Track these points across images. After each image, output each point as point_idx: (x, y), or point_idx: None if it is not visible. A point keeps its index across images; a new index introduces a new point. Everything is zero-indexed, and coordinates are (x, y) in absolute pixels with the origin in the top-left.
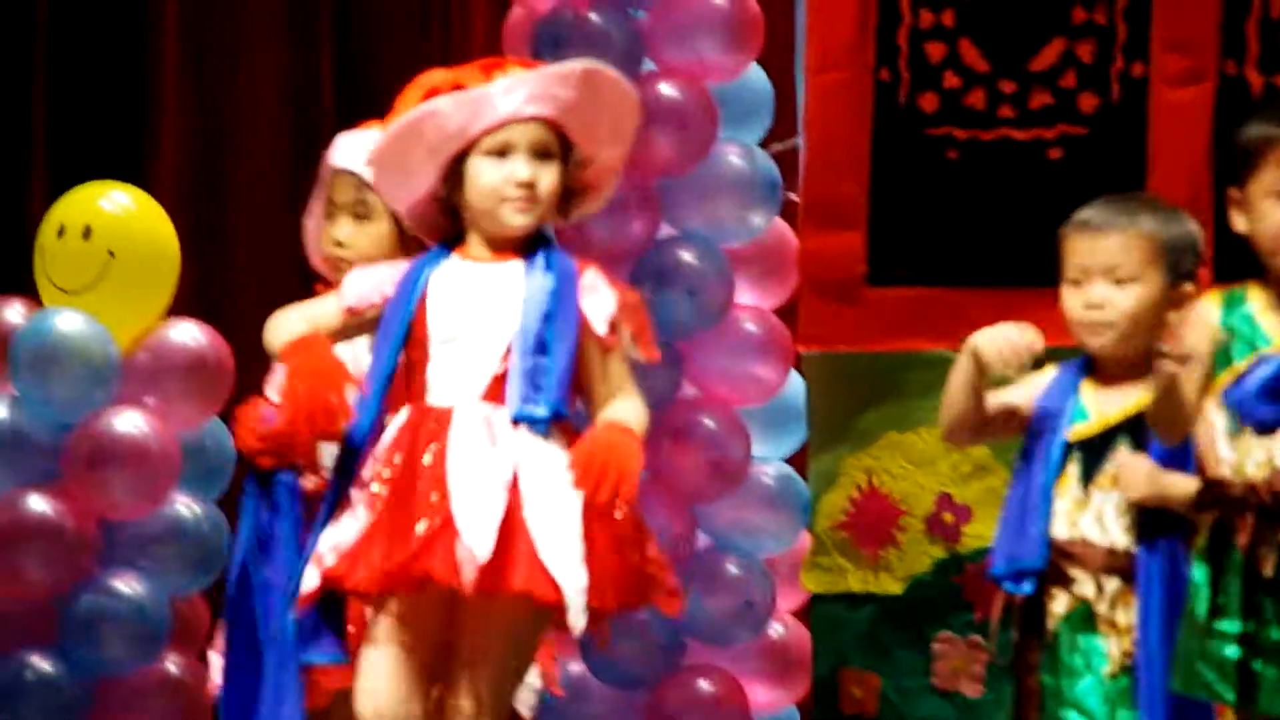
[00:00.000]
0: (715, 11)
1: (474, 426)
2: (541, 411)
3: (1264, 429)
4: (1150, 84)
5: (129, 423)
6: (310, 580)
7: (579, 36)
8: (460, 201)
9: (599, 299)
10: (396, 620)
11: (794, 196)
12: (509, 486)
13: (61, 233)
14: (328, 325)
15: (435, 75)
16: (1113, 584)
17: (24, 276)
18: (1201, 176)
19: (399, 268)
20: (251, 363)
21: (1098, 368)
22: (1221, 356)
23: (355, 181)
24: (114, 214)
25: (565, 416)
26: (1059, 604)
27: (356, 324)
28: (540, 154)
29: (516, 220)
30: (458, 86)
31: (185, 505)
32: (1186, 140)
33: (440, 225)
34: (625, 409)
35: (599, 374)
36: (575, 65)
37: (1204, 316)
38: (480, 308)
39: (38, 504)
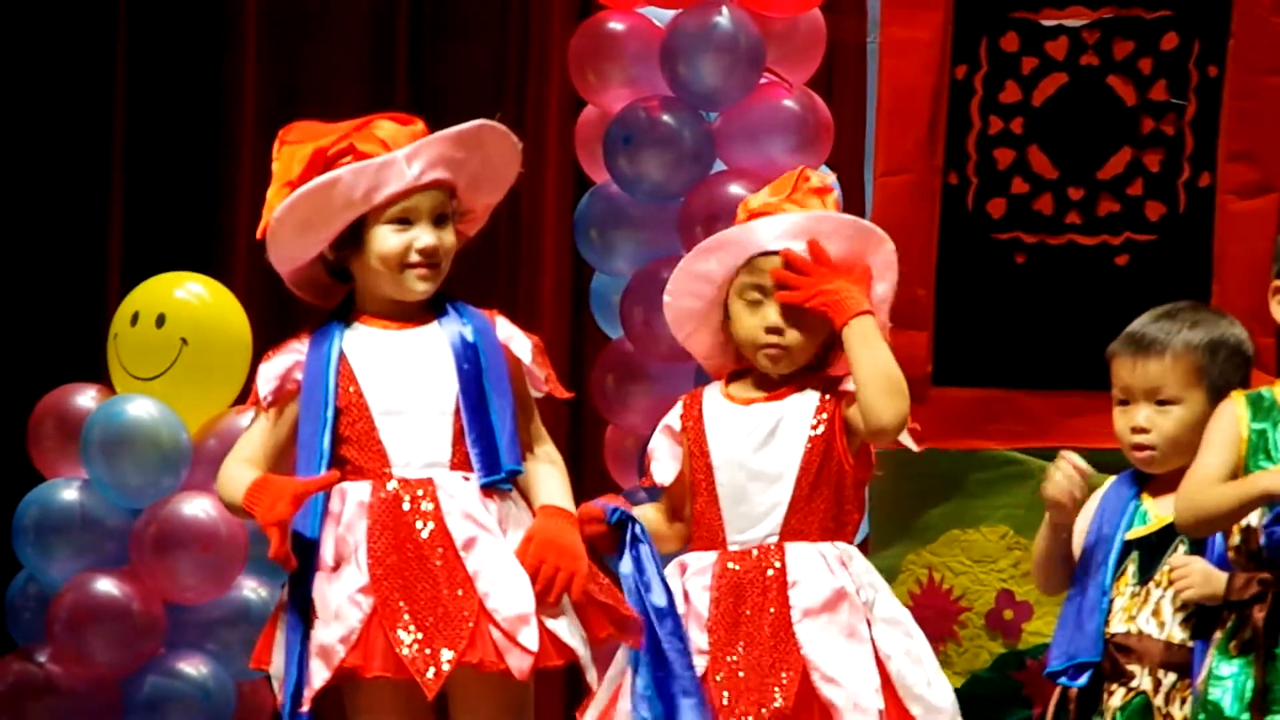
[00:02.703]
0: (786, 114)
1: (461, 499)
2: (505, 476)
3: None
4: (1216, 194)
5: (197, 508)
6: (320, 675)
7: (650, 137)
8: (355, 265)
9: (519, 345)
10: (395, 705)
11: None
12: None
13: (135, 320)
14: (262, 446)
15: (319, 134)
16: (1170, 678)
17: (98, 363)
18: (1266, 285)
19: (300, 350)
20: None
21: (1153, 478)
22: (1257, 455)
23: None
24: (188, 302)
25: (520, 473)
26: (1115, 698)
27: (281, 413)
28: (438, 218)
29: (420, 287)
30: (349, 150)
31: (252, 589)
32: (1251, 250)
33: (324, 287)
34: (556, 487)
35: (522, 421)
36: (471, 125)
37: (1230, 419)
38: (417, 375)
39: (106, 586)
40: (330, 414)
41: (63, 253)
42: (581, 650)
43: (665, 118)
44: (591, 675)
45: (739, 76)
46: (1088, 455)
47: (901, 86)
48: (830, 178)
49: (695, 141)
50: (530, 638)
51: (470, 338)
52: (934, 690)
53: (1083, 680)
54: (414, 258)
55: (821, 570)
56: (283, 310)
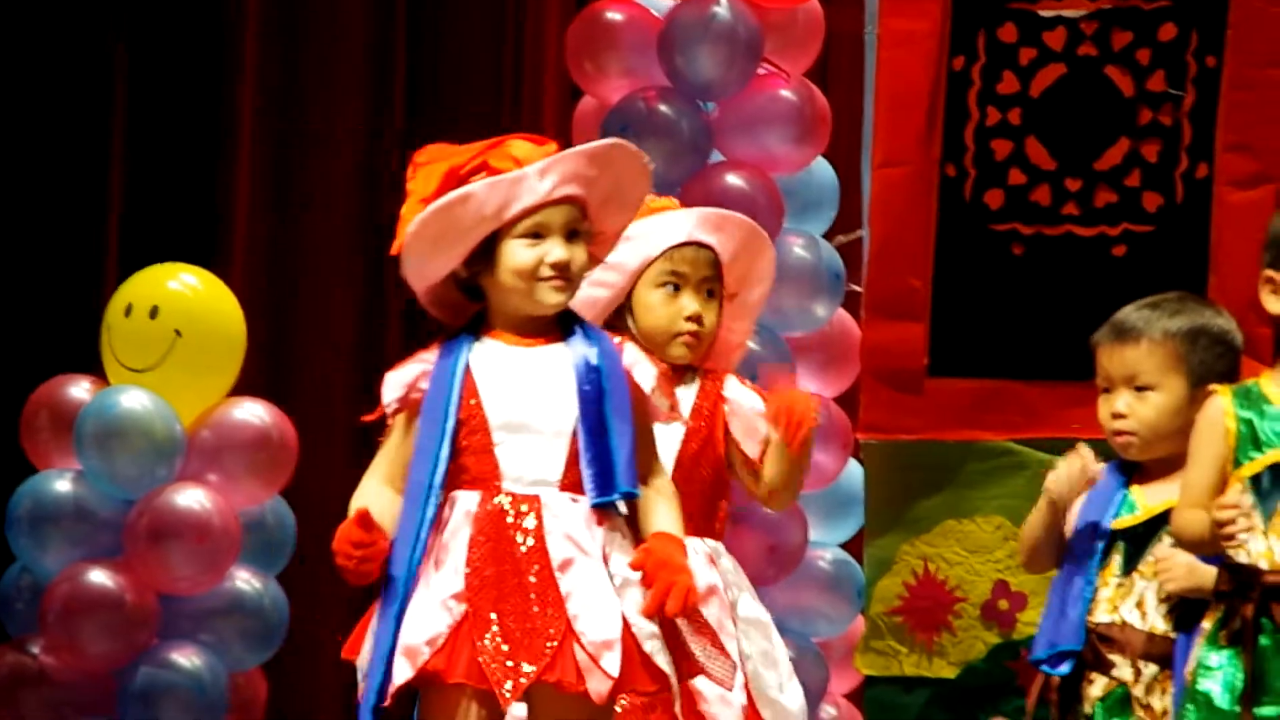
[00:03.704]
0: (784, 105)
1: (566, 519)
2: (619, 497)
3: None
4: (1214, 185)
5: (191, 499)
6: (403, 673)
7: (648, 127)
8: (487, 282)
9: (643, 372)
10: (471, 714)
11: (857, 288)
12: (613, 587)
13: (129, 312)
14: (400, 459)
15: (452, 154)
16: (1150, 669)
17: (92, 354)
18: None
19: (428, 360)
20: (315, 441)
21: (1140, 466)
22: (1246, 446)
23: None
24: (181, 294)
25: (636, 496)
26: (1096, 687)
27: (410, 421)
28: (570, 234)
29: (553, 299)
30: (482, 167)
31: (246, 580)
32: (1249, 240)
33: (456, 305)
34: (669, 517)
35: (641, 449)
36: (602, 144)
37: (1215, 414)
38: (538, 393)
39: (99, 578)
40: (451, 425)
41: (57, 244)
42: (674, 678)
43: (663, 108)
44: (678, 706)
45: (737, 67)
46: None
47: (899, 78)
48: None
49: (693, 132)
50: (613, 663)
51: (595, 360)
52: (786, 695)
53: (1064, 668)
54: (546, 271)
55: (693, 565)
56: (276, 302)
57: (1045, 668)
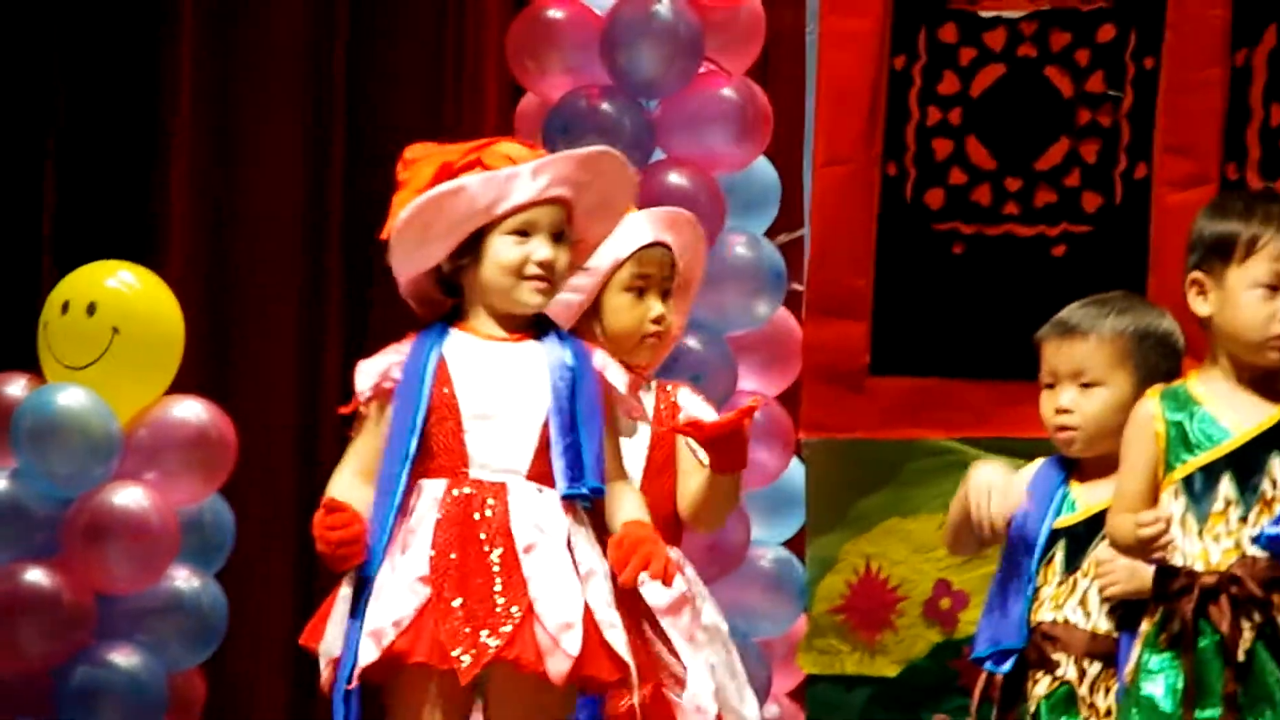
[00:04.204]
0: (725, 104)
1: (531, 507)
2: (588, 491)
3: None
4: (1153, 185)
5: (128, 497)
6: (368, 654)
7: (590, 125)
8: (468, 277)
9: (615, 376)
10: (435, 696)
11: (798, 286)
12: (577, 574)
13: (66, 309)
14: (372, 451)
15: (446, 151)
16: (1094, 668)
17: (29, 352)
18: None
19: (401, 351)
20: (254, 439)
21: (1080, 464)
22: (1177, 449)
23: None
24: (119, 291)
25: (603, 493)
26: (1040, 686)
27: (382, 410)
28: (556, 235)
29: (534, 300)
30: (476, 163)
31: (184, 579)
32: (1187, 241)
33: (434, 299)
34: (636, 506)
35: (609, 449)
36: (592, 150)
37: (1145, 419)
38: (511, 385)
39: (36, 576)
40: (421, 414)
41: None
42: (634, 669)
43: (605, 106)
44: (637, 696)
45: (678, 65)
46: (1024, 444)
47: (840, 77)
48: None
49: (635, 130)
50: (573, 643)
51: (569, 361)
52: (747, 706)
53: (1007, 666)
54: (531, 269)
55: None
56: (214, 300)
57: (988, 665)
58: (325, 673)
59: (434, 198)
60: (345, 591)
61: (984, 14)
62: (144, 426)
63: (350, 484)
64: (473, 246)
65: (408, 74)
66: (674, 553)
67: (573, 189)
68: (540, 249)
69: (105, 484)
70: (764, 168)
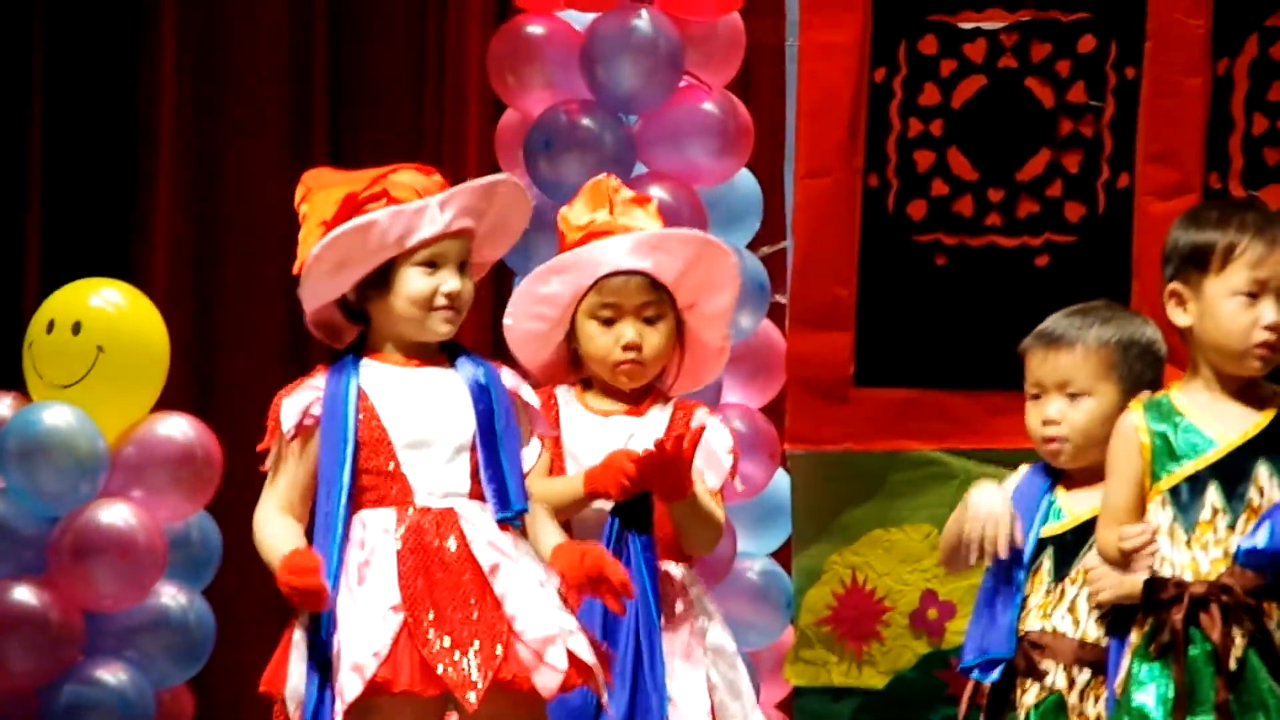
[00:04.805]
0: (707, 118)
1: (482, 528)
2: (514, 515)
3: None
4: (1135, 195)
5: (115, 515)
6: (353, 688)
7: (570, 140)
8: (375, 306)
9: (528, 393)
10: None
11: (781, 298)
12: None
13: (51, 328)
14: (295, 486)
15: (346, 180)
16: (1084, 675)
17: (14, 371)
18: None
19: (316, 387)
20: (240, 455)
21: (1066, 472)
22: (1162, 459)
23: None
24: (104, 310)
25: (526, 511)
26: (1030, 695)
27: (305, 445)
28: (462, 265)
29: (444, 329)
30: (382, 194)
31: (171, 596)
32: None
33: (335, 328)
34: (555, 531)
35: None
36: (494, 179)
37: (1129, 430)
38: (436, 410)
39: (23, 595)
40: (351, 448)
41: None
42: (599, 669)
43: (585, 121)
44: (606, 698)
45: (658, 80)
46: (1009, 454)
47: (821, 89)
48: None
49: (615, 145)
50: (558, 657)
51: (483, 380)
52: None
53: (995, 675)
54: (440, 300)
55: (670, 588)
56: (199, 317)
57: (975, 674)
58: (295, 716)
59: (344, 234)
60: (298, 635)
61: (964, 25)
62: (130, 444)
63: (281, 522)
64: (380, 277)
65: (389, 91)
66: (678, 569)
67: (474, 218)
68: (448, 280)
69: (91, 502)
70: (746, 180)
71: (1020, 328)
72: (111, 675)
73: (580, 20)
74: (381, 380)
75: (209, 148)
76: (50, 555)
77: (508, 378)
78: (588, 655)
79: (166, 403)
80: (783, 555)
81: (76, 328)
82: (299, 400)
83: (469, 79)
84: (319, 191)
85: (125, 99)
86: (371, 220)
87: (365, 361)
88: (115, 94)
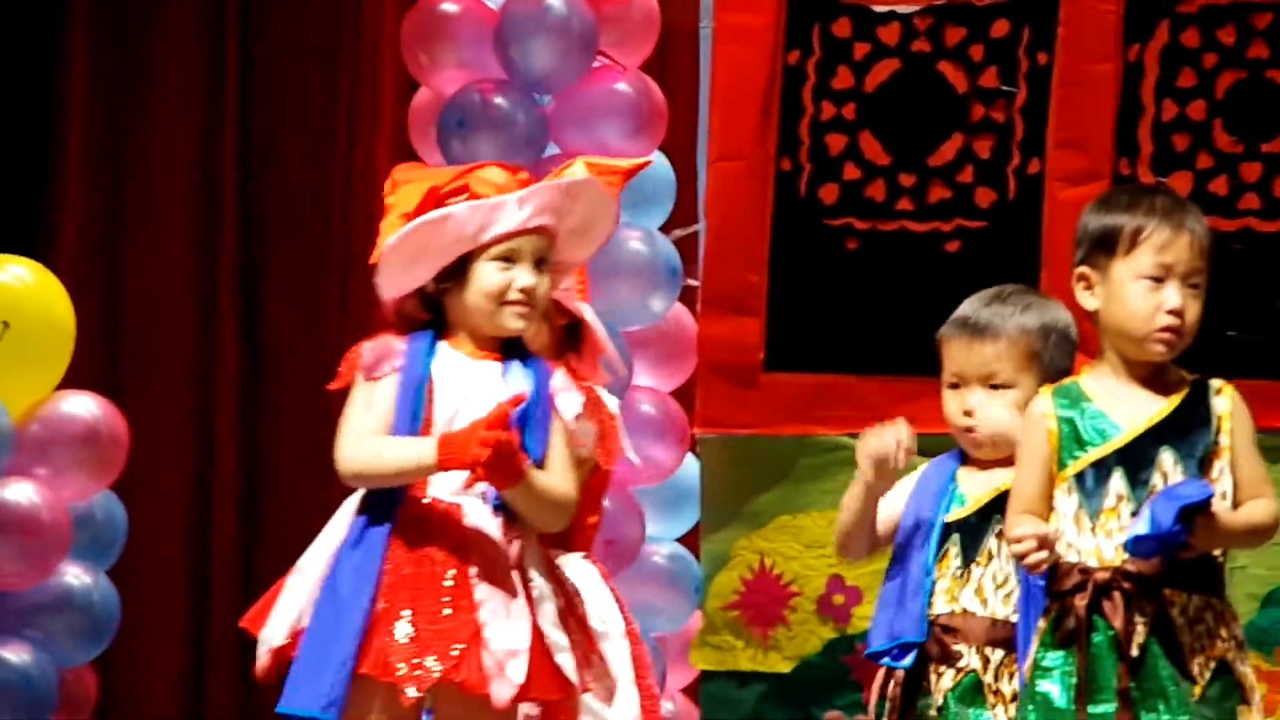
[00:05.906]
0: (620, 98)
1: (485, 530)
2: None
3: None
4: (1045, 181)
5: (19, 493)
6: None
7: (484, 120)
8: (452, 298)
9: (569, 399)
10: (381, 707)
11: (693, 282)
12: (528, 598)
13: None
14: (384, 415)
15: (432, 175)
16: (997, 654)
17: None
18: None
19: (398, 348)
20: (146, 434)
21: (971, 457)
22: (1069, 445)
23: None
24: (10, 285)
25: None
26: (945, 679)
27: (383, 392)
28: (538, 262)
29: (515, 324)
30: (463, 189)
31: (75, 576)
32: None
33: (417, 317)
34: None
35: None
36: (579, 179)
37: (1037, 416)
38: (471, 402)
39: None
40: (420, 405)
41: None
42: (579, 688)
43: (499, 101)
44: (581, 718)
45: (572, 60)
46: (920, 440)
47: (735, 72)
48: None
49: (529, 125)
50: (518, 671)
51: (528, 383)
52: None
53: (908, 661)
54: (513, 295)
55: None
56: (107, 296)
57: (888, 660)
58: (264, 660)
59: (422, 225)
60: (293, 581)
61: (878, 9)
62: (35, 421)
63: (386, 439)
64: (458, 270)
65: (302, 68)
66: (578, 558)
67: (555, 216)
68: (523, 276)
69: None
70: (659, 163)
71: (931, 313)
72: (14, 655)
73: None
74: (448, 366)
75: (119, 124)
76: None
77: (557, 379)
78: (572, 674)
79: (72, 381)
80: (691, 540)
81: None
82: (382, 350)
83: (383, 58)
84: (405, 185)
85: (36, 74)
86: (449, 213)
87: (442, 345)
88: (26, 69)
